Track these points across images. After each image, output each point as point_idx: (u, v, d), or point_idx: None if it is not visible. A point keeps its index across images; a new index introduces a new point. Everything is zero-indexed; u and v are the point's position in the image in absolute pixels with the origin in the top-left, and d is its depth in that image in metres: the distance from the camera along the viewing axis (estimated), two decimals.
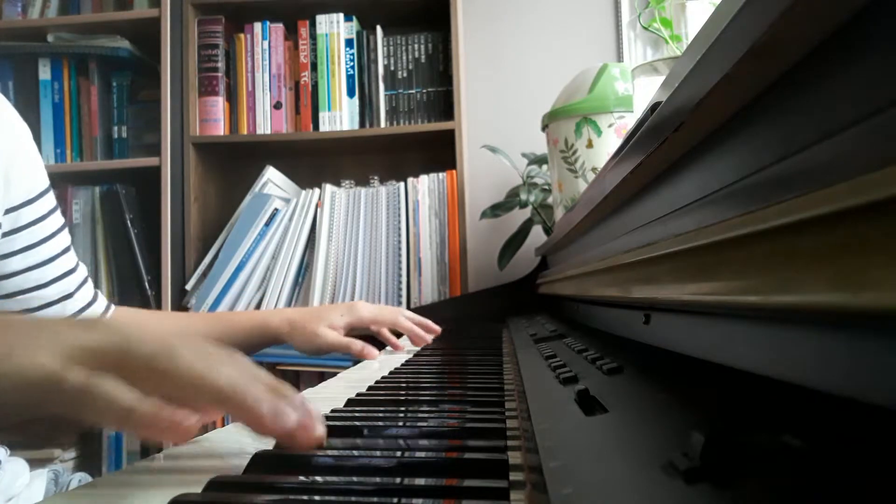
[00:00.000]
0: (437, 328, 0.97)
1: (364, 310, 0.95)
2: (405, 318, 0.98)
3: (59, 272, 0.76)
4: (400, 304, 1.55)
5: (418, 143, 1.70)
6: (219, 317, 0.99)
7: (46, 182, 0.76)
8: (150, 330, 0.35)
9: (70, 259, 0.78)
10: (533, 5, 1.79)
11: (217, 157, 1.76)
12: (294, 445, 0.32)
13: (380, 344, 1.00)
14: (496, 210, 1.59)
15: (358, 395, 0.51)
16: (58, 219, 0.77)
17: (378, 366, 0.81)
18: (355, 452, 0.32)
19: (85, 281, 0.81)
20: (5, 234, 0.71)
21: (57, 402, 0.31)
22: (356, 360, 0.90)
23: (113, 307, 0.85)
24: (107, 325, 0.34)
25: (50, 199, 0.76)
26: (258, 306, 1.57)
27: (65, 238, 0.78)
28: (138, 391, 0.31)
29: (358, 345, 0.87)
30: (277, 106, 1.69)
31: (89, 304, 0.80)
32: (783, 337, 0.22)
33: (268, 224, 1.61)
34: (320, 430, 0.33)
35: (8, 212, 0.71)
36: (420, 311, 1.49)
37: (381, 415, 0.43)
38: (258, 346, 0.93)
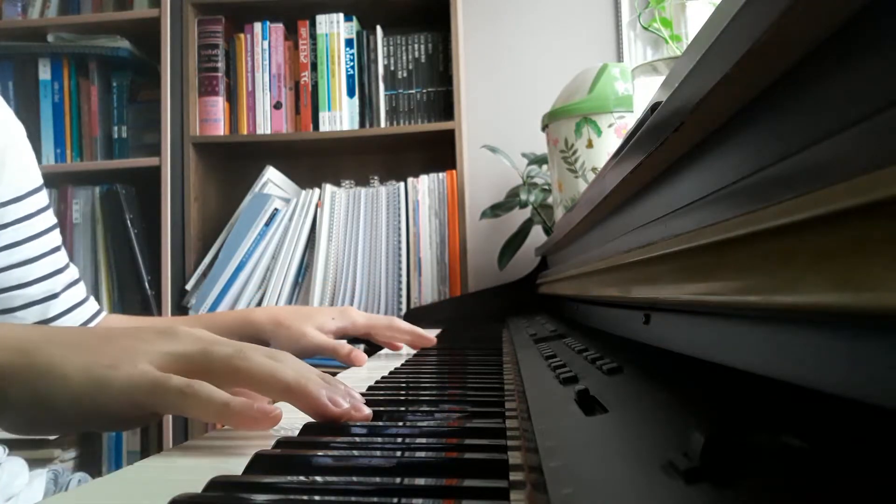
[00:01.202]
0: (433, 339, 0.89)
1: (357, 315, 0.89)
2: (402, 323, 0.91)
3: (45, 272, 0.75)
4: (400, 304, 1.55)
5: (418, 143, 1.70)
6: (199, 318, 0.93)
7: (39, 181, 0.76)
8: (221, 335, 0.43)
9: (58, 259, 0.77)
10: (533, 5, 1.79)
11: (217, 157, 1.76)
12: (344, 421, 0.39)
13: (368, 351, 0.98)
14: (496, 210, 1.59)
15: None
16: (48, 218, 0.77)
17: (366, 373, 0.79)
18: (355, 452, 0.32)
19: (75, 283, 0.80)
20: None
21: (161, 403, 0.37)
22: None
23: (104, 313, 0.83)
24: (188, 334, 0.42)
25: (40, 199, 0.76)
26: (258, 306, 1.57)
27: (54, 238, 0.77)
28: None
29: (345, 348, 0.80)
30: (277, 106, 1.69)
31: (76, 307, 0.79)
32: (783, 337, 0.22)
33: (268, 224, 1.61)
34: (367, 410, 0.40)
35: None
36: (420, 311, 1.50)
37: (381, 414, 0.43)
38: None
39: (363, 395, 0.52)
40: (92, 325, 0.81)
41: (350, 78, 1.67)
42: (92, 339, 0.40)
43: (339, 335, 0.86)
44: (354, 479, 0.29)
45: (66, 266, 0.79)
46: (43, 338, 0.39)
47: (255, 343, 0.86)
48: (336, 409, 0.39)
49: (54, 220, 0.78)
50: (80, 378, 0.37)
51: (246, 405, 0.37)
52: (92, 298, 0.83)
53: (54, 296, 0.76)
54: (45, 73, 1.72)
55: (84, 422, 0.39)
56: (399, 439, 0.36)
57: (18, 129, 0.75)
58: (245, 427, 0.37)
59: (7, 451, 0.86)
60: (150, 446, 1.65)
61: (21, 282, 0.73)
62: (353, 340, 0.91)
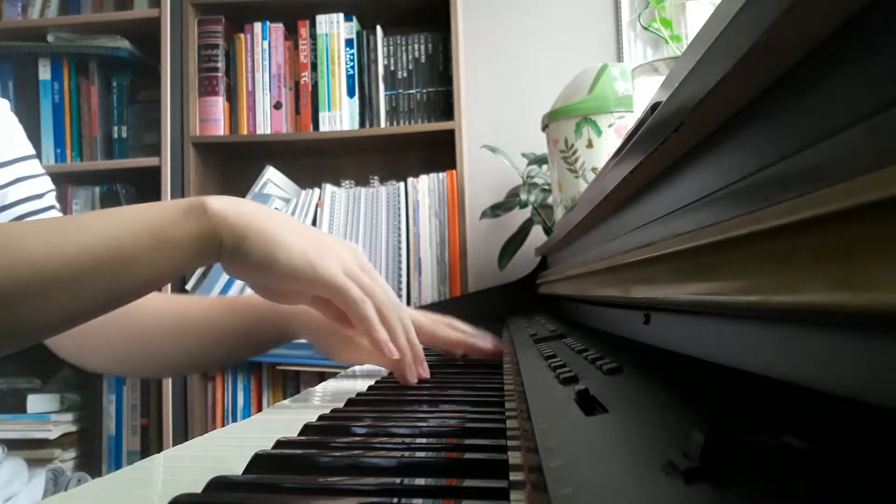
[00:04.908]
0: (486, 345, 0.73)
1: (420, 318, 0.71)
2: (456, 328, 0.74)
3: None
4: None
5: (418, 143, 1.70)
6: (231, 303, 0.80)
7: (28, 151, 0.76)
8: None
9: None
10: (533, 5, 1.79)
11: (217, 157, 1.76)
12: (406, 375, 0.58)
13: None
14: (496, 210, 1.59)
15: (358, 394, 0.51)
16: (43, 183, 0.76)
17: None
18: (355, 452, 0.32)
19: None
20: None
21: (342, 303, 0.53)
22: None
23: None
24: (356, 256, 0.57)
25: (31, 166, 0.75)
26: None
27: (48, 199, 0.76)
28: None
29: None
30: (277, 106, 1.69)
31: None
32: (783, 337, 0.22)
33: None
34: (424, 374, 0.60)
35: None
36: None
37: (381, 414, 0.43)
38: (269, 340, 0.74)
39: (361, 394, 0.52)
40: None
41: (350, 78, 1.67)
42: (301, 230, 0.53)
43: None
44: (354, 478, 0.29)
45: None
46: (263, 213, 0.51)
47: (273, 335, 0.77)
48: (410, 379, 0.58)
49: (51, 186, 0.77)
50: (298, 255, 0.51)
51: (389, 346, 0.55)
52: None
53: None
54: (45, 73, 1.72)
55: (291, 284, 0.52)
56: (399, 439, 0.36)
57: (1, 103, 0.75)
58: (383, 363, 0.59)
59: (6, 450, 0.86)
60: (151, 446, 1.65)
61: None
62: None
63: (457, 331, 0.75)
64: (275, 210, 0.54)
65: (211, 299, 0.88)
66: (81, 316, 0.48)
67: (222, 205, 0.49)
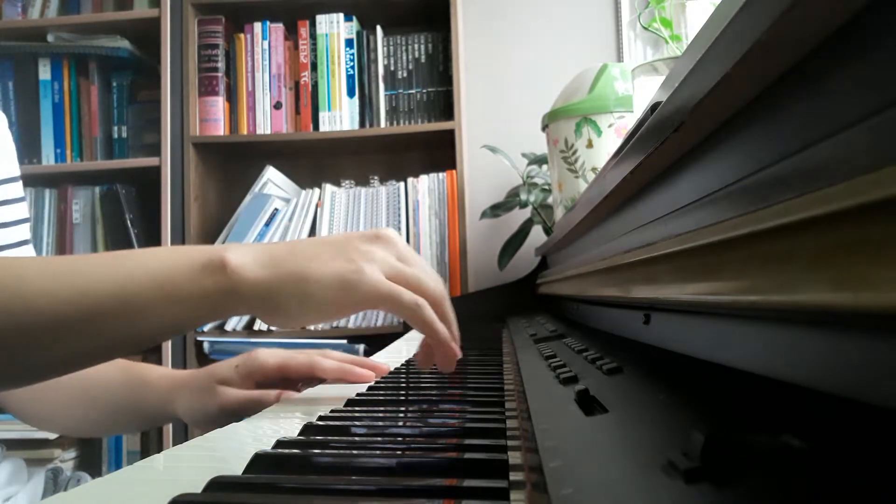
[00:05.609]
0: (381, 366, 0.67)
1: (266, 356, 0.68)
2: (325, 357, 0.68)
3: None
4: None
5: (418, 143, 1.70)
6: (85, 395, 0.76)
7: (15, 172, 0.75)
8: None
9: (23, 253, 0.75)
10: (533, 5, 1.79)
11: (217, 157, 1.76)
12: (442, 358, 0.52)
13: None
14: (496, 210, 1.59)
15: (358, 394, 0.51)
16: (19, 210, 0.75)
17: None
18: (355, 452, 0.32)
19: None
20: None
21: (394, 310, 0.49)
22: None
23: None
24: (395, 243, 0.52)
25: (11, 190, 0.74)
26: None
27: (22, 231, 0.75)
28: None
29: (271, 395, 0.64)
30: (277, 106, 1.69)
31: None
32: (783, 337, 0.22)
33: (268, 224, 1.61)
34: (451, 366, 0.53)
35: None
36: None
37: (381, 414, 0.43)
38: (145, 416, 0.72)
39: (361, 395, 0.52)
40: None
41: (350, 78, 1.67)
42: (324, 251, 0.49)
43: (251, 385, 0.68)
44: (354, 478, 0.29)
45: None
46: (283, 255, 0.48)
47: (147, 407, 0.73)
48: (451, 368, 0.53)
49: (27, 214, 0.76)
50: (333, 282, 0.47)
51: (451, 344, 0.51)
52: None
53: None
54: (45, 73, 1.72)
55: (337, 313, 0.49)
56: (399, 439, 0.36)
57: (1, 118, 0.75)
58: (436, 349, 0.50)
59: (6, 450, 0.86)
60: (150, 447, 1.65)
61: None
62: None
63: (332, 360, 0.67)
64: (289, 243, 0.51)
65: (114, 363, 0.82)
66: (82, 361, 0.47)
67: (241, 260, 0.46)
